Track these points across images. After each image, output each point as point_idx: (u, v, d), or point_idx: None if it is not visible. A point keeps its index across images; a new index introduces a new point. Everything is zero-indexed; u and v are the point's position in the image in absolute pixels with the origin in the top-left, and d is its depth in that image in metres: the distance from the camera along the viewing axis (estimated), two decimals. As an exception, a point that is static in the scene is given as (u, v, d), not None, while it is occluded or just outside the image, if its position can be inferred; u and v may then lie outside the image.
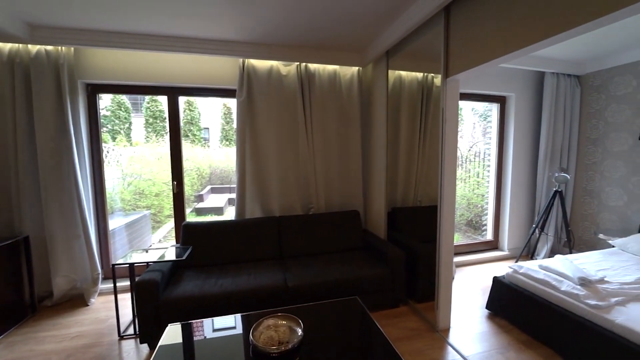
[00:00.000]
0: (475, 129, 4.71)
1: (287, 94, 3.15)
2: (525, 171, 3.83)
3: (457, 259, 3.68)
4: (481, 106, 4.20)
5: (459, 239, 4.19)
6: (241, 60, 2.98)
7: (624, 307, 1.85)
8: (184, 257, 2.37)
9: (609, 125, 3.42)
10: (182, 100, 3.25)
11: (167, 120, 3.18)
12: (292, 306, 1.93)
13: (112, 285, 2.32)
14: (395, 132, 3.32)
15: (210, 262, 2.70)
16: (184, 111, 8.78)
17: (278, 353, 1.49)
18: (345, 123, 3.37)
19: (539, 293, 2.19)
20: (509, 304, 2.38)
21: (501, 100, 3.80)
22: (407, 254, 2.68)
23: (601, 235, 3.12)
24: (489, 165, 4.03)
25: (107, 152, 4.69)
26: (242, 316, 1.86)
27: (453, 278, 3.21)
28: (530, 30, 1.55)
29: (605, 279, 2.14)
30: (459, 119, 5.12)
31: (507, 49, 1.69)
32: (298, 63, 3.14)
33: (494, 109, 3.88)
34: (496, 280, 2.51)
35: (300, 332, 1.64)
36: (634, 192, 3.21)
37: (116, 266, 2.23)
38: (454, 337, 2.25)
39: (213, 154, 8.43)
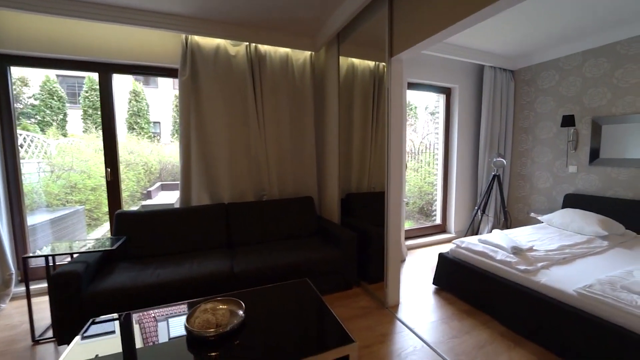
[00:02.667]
0: (428, 125, 4.95)
1: (237, 76, 3.01)
2: (468, 158, 4.10)
3: (409, 242, 3.82)
4: (432, 102, 4.41)
5: (411, 225, 4.36)
6: (184, 36, 2.77)
7: (548, 270, 2.03)
8: (113, 247, 2.12)
9: (538, 115, 3.79)
10: (119, 81, 2.94)
11: (99, 100, 2.84)
12: (237, 291, 1.82)
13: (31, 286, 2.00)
14: (348, 119, 3.33)
15: (150, 253, 2.47)
16: (130, 102, 8.06)
17: (215, 336, 1.38)
18: (299, 109, 3.31)
19: (478, 264, 2.32)
20: (453, 278, 2.49)
21: (447, 92, 4.02)
22: (360, 237, 2.69)
23: (532, 214, 3.44)
24: (437, 155, 4.24)
25: (31, 141, 4.12)
26: (180, 305, 1.70)
27: (404, 260, 3.32)
28: (457, 7, 1.64)
29: (534, 247, 2.34)
30: (414, 115, 5.37)
31: (441, 26, 1.76)
32: (247, 43, 3.01)
33: (440, 99, 4.09)
34: (441, 256, 2.63)
35: (241, 313, 1.54)
36: (558, 175, 3.59)
37: (30, 260, 1.92)
38: (402, 312, 2.30)
39: (164, 149, 7.84)
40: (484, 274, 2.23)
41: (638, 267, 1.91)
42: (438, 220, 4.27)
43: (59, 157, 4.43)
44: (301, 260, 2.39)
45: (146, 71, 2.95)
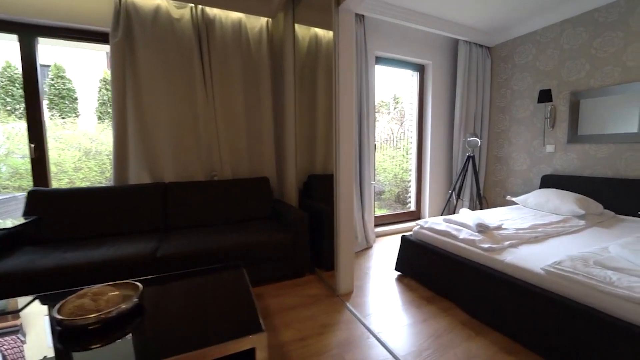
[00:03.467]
0: (408, 111, 4.69)
1: (181, 43, 2.67)
2: (443, 140, 3.85)
3: (380, 229, 3.55)
4: (406, 79, 4.14)
5: (387, 213, 4.09)
6: (115, -8, 2.43)
7: (516, 249, 1.78)
8: (11, 228, 1.78)
9: (514, 93, 3.56)
10: (43, 49, 2.58)
11: (21, 69, 2.48)
12: (149, 277, 1.52)
13: None
14: (312, 96, 3.05)
15: (66, 237, 2.12)
16: (100, 90, 7.61)
17: (87, 324, 1.08)
18: (255, 82, 3.00)
19: (440, 245, 2.06)
20: (416, 262, 2.23)
21: (420, 69, 3.76)
22: (315, 219, 2.41)
23: (508, 197, 3.21)
24: (411, 137, 3.99)
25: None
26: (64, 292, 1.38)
27: (371, 247, 3.04)
28: None
29: (503, 226, 2.09)
30: (398, 107, 5.10)
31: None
32: (193, 5, 2.68)
33: (414, 77, 3.83)
34: (404, 240, 2.36)
35: (135, 299, 1.24)
36: (535, 155, 3.37)
37: None
38: (355, 300, 2.02)
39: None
40: (446, 255, 1.97)
41: (615, 242, 1.67)
42: (412, 207, 4.01)
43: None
44: (242, 244, 2.09)
45: (75, 35, 2.59)
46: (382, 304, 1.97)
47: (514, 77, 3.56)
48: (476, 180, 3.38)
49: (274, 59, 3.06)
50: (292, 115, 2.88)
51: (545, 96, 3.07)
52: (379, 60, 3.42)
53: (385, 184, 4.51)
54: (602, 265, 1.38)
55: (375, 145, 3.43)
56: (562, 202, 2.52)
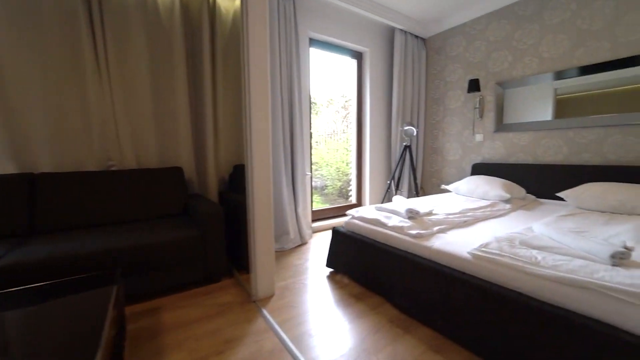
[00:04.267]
0: (348, 105, 4.54)
1: (59, 4, 2.10)
2: (381, 130, 3.77)
3: (319, 223, 3.31)
4: (343, 63, 3.98)
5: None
6: None
7: (445, 234, 1.64)
8: None
9: (447, 84, 3.61)
10: None
11: None
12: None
13: None
14: (238, 78, 2.67)
15: None
16: None
17: None
18: (166, 59, 2.51)
19: (370, 234, 1.86)
20: (347, 256, 2.01)
21: (359, 57, 3.62)
22: (237, 216, 2.05)
23: (443, 186, 3.21)
24: (352, 129, 3.83)
25: None
26: None
27: (306, 243, 2.77)
28: None
29: (434, 211, 1.96)
30: (342, 97, 4.92)
31: None
32: (75, -49, 2.13)
33: (352, 65, 3.68)
34: (335, 232, 2.13)
35: None
36: (466, 145, 3.44)
37: None
38: (275, 304, 1.71)
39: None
40: (375, 245, 1.77)
41: (537, 222, 1.62)
42: (353, 199, 3.86)
43: None
44: (136, 247, 1.65)
45: None
46: (306, 306, 1.70)
47: (447, 69, 3.61)
48: (413, 170, 3.33)
49: (189, 34, 2.61)
50: (210, 98, 2.48)
51: (474, 86, 3.13)
52: (314, 43, 3.18)
53: (328, 178, 4.31)
54: (528, 245, 1.28)
55: (310, 133, 3.18)
56: (490, 187, 2.54)
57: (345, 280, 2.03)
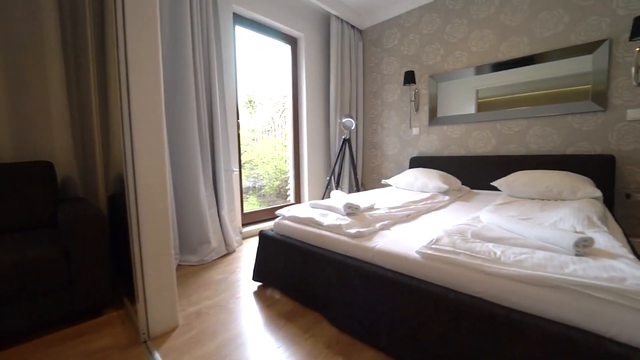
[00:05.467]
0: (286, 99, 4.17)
1: None
2: (320, 123, 3.51)
3: (253, 227, 2.88)
4: (276, 48, 3.62)
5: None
6: None
7: (388, 231, 1.40)
8: None
9: (384, 78, 3.53)
10: None
11: None
12: None
13: None
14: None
15: None
16: None
17: None
18: (28, 25, 1.81)
19: (303, 237, 1.53)
20: (277, 266, 1.64)
21: (293, 42, 3.31)
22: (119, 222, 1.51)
23: (383, 181, 3.08)
24: (285, 121, 3.49)
25: None
26: None
27: (233, 251, 2.32)
28: None
29: (375, 206, 1.73)
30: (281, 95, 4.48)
31: None
32: None
33: (286, 51, 3.35)
34: (262, 237, 1.74)
35: None
36: (404, 139, 3.39)
37: None
38: (176, 341, 1.25)
39: None
40: (309, 250, 1.44)
41: (483, 211, 1.48)
42: (292, 199, 3.52)
43: None
44: None
45: None
46: (222, 338, 1.28)
47: (383, 61, 3.52)
48: (353, 165, 3.13)
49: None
50: (91, 75, 1.88)
51: (410, 77, 3.06)
52: (240, 20, 2.75)
53: (264, 178, 3.88)
54: (481, 238, 1.08)
55: (238, 124, 2.74)
56: (428, 179, 2.44)
57: (277, 295, 1.66)
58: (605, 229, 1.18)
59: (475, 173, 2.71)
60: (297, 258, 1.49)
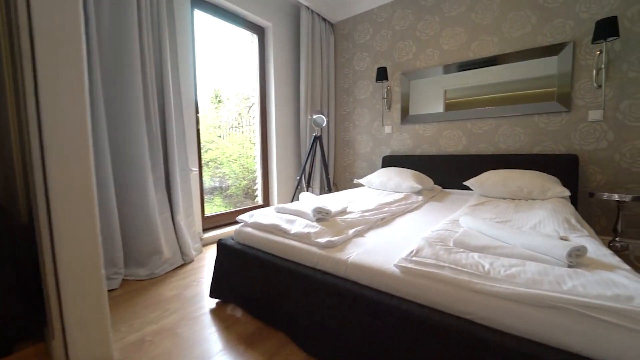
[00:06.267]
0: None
1: None
2: (289, 119, 3.32)
3: (216, 232, 2.62)
4: (243, 39, 3.36)
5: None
6: None
7: (363, 238, 1.25)
8: None
9: (356, 74, 3.41)
10: None
11: None
12: None
13: None
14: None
15: None
16: None
17: None
18: None
19: (267, 247, 1.35)
20: (238, 280, 1.43)
21: (260, 32, 3.07)
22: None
23: (355, 180, 2.96)
24: (253, 117, 3.25)
25: None
26: None
27: (192, 261, 2.06)
28: None
29: (348, 209, 1.58)
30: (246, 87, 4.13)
31: None
32: None
33: (254, 41, 3.11)
34: (221, 247, 1.52)
35: None
36: (376, 137, 3.30)
37: None
38: (105, 385, 1.01)
39: None
40: (272, 263, 1.26)
41: (460, 213, 1.39)
42: (260, 200, 3.29)
43: None
44: None
45: None
46: (164, 374, 1.06)
47: (355, 57, 3.41)
48: (324, 164, 2.98)
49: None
50: (4, 64, 1.53)
51: (382, 74, 2.97)
52: (200, 4, 2.47)
53: (230, 177, 3.60)
54: (464, 246, 0.97)
55: (197, 117, 2.46)
56: (401, 179, 2.36)
57: (238, 313, 1.45)
58: (585, 232, 1.13)
59: (446, 172, 2.68)
60: (260, 272, 1.30)
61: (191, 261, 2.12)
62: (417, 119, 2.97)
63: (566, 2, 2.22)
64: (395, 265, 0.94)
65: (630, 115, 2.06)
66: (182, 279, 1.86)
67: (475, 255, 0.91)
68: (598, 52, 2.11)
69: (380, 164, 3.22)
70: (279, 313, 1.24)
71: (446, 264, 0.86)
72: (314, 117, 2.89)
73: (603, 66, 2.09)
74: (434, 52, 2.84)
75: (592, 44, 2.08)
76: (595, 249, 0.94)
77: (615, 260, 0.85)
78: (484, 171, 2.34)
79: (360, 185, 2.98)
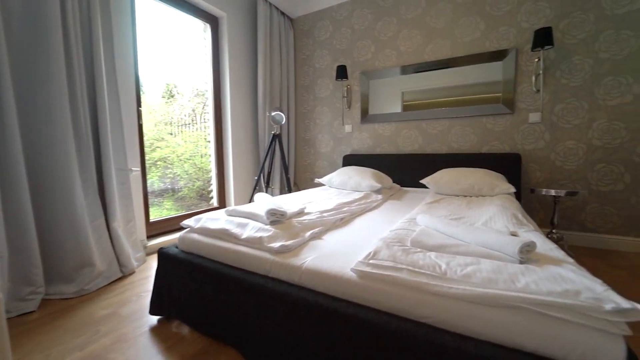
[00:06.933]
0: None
1: None
2: (247, 116, 3.15)
3: (164, 239, 2.37)
4: (196, 29, 3.12)
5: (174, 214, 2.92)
6: None
7: (321, 240, 1.18)
8: None
9: (316, 71, 3.36)
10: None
11: None
12: None
13: None
14: None
15: None
16: None
17: None
18: None
19: (215, 255, 1.21)
20: (183, 292, 1.27)
21: (213, 21, 2.87)
22: None
23: (316, 180, 2.90)
24: (208, 113, 3.03)
25: None
26: None
27: (133, 272, 1.83)
28: None
29: (306, 210, 1.50)
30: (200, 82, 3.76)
31: None
32: None
33: (206, 31, 2.89)
34: (162, 256, 1.35)
35: None
36: (337, 136, 3.27)
37: None
38: None
39: None
40: (222, 272, 1.13)
41: (418, 211, 1.39)
42: (215, 202, 3.08)
43: None
44: None
45: None
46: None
47: (315, 54, 3.35)
48: (283, 163, 2.87)
49: None
50: None
51: (341, 72, 2.95)
52: (140, -19, 2.22)
53: (182, 178, 3.32)
54: (422, 246, 0.95)
55: (139, 111, 2.21)
56: (361, 178, 2.34)
57: (184, 330, 1.29)
58: (531, 227, 1.18)
59: (404, 171, 2.73)
60: (208, 282, 1.16)
61: (131, 273, 1.88)
62: (376, 118, 3.00)
63: (510, 11, 2.37)
64: (352, 270, 0.88)
65: (563, 118, 2.26)
66: (119, 294, 1.63)
67: (433, 254, 0.88)
68: (536, 59, 2.28)
69: (341, 163, 3.20)
70: (228, 327, 1.11)
71: (404, 266, 0.82)
72: (273, 114, 2.77)
73: (541, 72, 2.27)
74: (392, 53, 2.89)
75: (532, 51, 2.24)
76: (542, 243, 0.97)
77: (560, 254, 0.87)
78: (439, 170, 2.41)
79: (322, 184, 2.93)
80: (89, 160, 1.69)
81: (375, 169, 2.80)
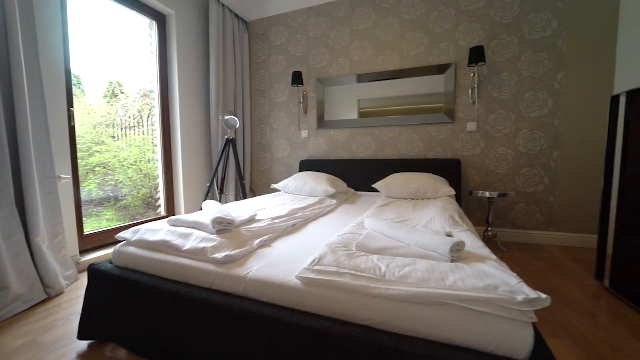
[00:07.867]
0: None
1: None
2: (198, 120, 3.01)
3: (101, 253, 2.14)
4: (142, 26, 2.91)
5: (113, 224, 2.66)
6: None
7: (270, 248, 1.16)
8: None
9: (272, 76, 3.33)
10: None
11: None
12: None
13: None
14: None
15: None
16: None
17: None
18: None
19: (155, 269, 1.13)
20: (119, 313, 1.15)
21: (160, 19, 2.70)
22: None
23: (272, 185, 2.86)
24: (154, 114, 2.83)
25: None
26: None
27: (61, 293, 1.62)
28: None
29: (257, 217, 1.47)
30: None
31: None
32: None
33: (152, 29, 2.71)
34: (93, 274, 1.21)
35: None
36: (294, 141, 3.27)
37: None
38: None
39: None
40: (161, 288, 1.05)
41: (367, 215, 1.44)
42: (163, 210, 2.88)
43: None
44: None
45: None
46: None
47: (271, 59, 3.33)
48: (238, 169, 2.78)
49: None
50: None
51: (297, 78, 2.96)
52: (71, -31, 2.01)
53: (126, 185, 3.04)
54: (366, 249, 0.98)
55: (70, 112, 1.99)
56: (316, 183, 2.37)
57: (120, 354, 1.17)
58: (465, 227, 1.29)
59: (358, 175, 2.82)
60: (146, 299, 1.07)
61: (59, 294, 1.67)
62: (332, 124, 3.06)
63: (449, 29, 2.59)
64: (297, 277, 0.88)
65: (495, 127, 2.52)
66: (41, 319, 1.43)
67: (375, 257, 0.92)
68: (472, 74, 2.53)
69: (297, 168, 3.20)
70: (170, 346, 1.04)
71: (346, 270, 0.84)
72: (226, 117, 2.68)
73: (476, 86, 2.51)
74: (345, 62, 2.98)
75: (468, 66, 2.48)
76: (472, 242, 1.06)
77: (486, 251, 0.97)
78: (390, 174, 2.54)
79: (277, 190, 2.90)
80: (4, 167, 1.46)
81: (331, 173, 2.86)
